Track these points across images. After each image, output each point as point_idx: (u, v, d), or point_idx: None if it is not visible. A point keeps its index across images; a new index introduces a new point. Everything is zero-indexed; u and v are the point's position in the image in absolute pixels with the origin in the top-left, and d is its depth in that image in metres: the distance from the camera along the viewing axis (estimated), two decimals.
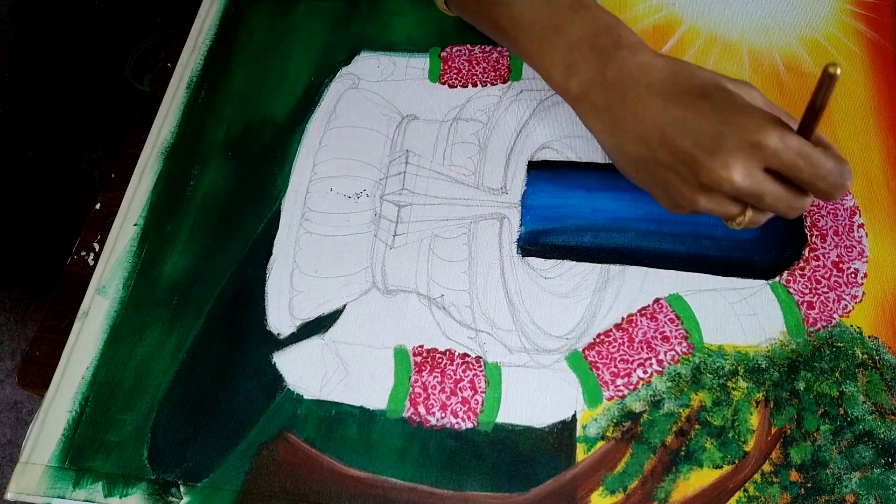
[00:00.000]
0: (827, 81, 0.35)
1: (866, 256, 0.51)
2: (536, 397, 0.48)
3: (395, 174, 0.57)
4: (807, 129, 0.39)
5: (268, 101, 0.61)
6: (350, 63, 0.62)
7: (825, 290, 0.50)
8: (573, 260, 0.52)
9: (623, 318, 0.50)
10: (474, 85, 0.60)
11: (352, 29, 0.64)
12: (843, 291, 0.50)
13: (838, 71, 0.34)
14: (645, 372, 0.48)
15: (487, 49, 0.62)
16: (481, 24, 0.52)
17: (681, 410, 0.47)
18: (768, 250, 0.51)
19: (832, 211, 0.52)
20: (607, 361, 0.49)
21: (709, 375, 0.48)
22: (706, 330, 0.49)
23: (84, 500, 0.47)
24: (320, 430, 0.48)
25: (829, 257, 0.51)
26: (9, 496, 0.48)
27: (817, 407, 0.46)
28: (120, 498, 0.47)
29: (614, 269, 0.52)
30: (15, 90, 1.04)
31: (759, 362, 0.48)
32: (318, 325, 0.52)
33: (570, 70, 0.45)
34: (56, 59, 1.10)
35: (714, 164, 0.38)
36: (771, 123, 0.38)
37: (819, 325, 0.49)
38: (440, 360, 0.50)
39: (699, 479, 0.45)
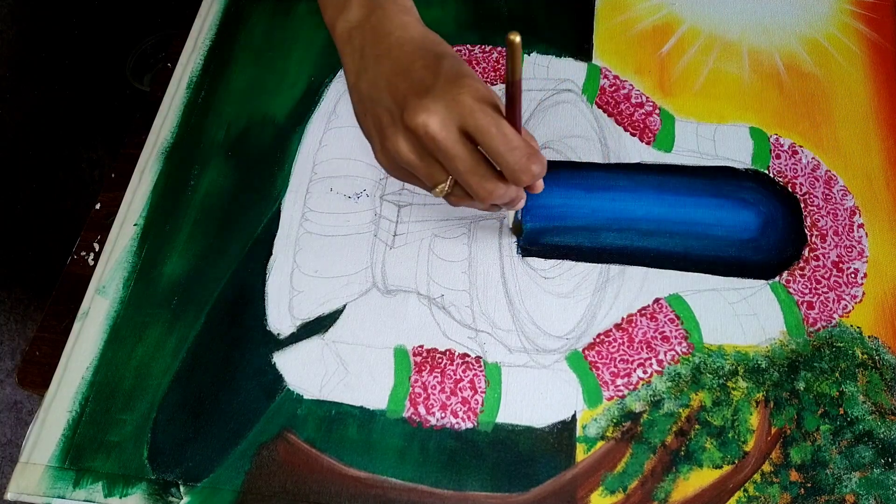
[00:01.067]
0: (510, 50, 0.36)
1: (866, 256, 0.51)
2: (536, 397, 0.48)
3: None
4: (511, 112, 0.39)
5: (268, 101, 0.61)
6: None
7: (825, 290, 0.50)
8: (573, 260, 0.52)
9: (623, 318, 0.50)
10: None
11: None
12: (843, 291, 0.50)
13: (517, 38, 0.35)
14: (645, 372, 0.48)
15: (487, 49, 0.62)
16: None
17: (681, 410, 0.47)
18: (768, 250, 0.51)
19: (832, 211, 0.52)
20: (607, 361, 0.49)
21: (709, 375, 0.48)
22: (706, 330, 0.49)
23: (84, 500, 0.47)
24: (320, 430, 0.48)
25: (829, 257, 0.51)
26: (9, 496, 0.48)
27: (817, 407, 0.46)
28: (120, 498, 0.47)
29: (614, 269, 0.52)
30: (15, 90, 1.04)
31: (759, 362, 0.48)
32: (318, 325, 0.52)
33: (341, 9, 0.46)
34: (56, 59, 1.10)
35: (417, 105, 0.39)
36: (476, 84, 0.39)
37: (819, 325, 0.49)
38: (440, 360, 0.50)
39: (699, 479, 0.45)
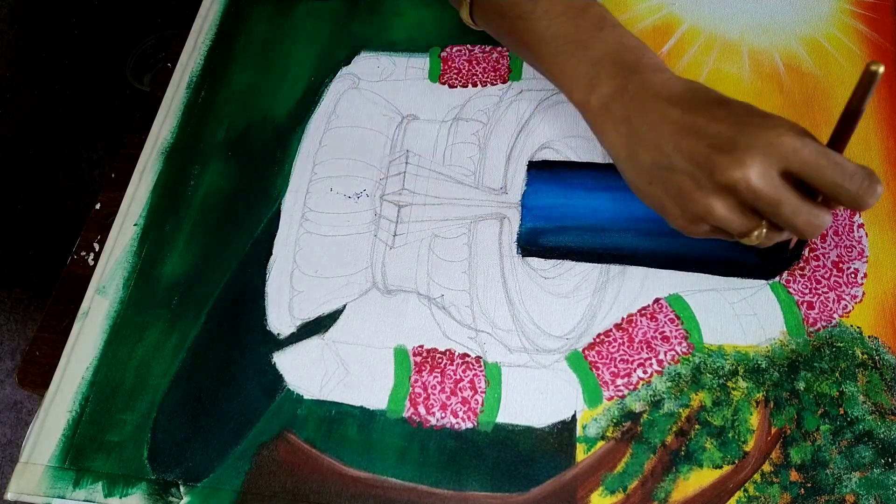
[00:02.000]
0: (867, 80, 0.33)
1: (866, 256, 0.51)
2: (536, 397, 0.48)
3: (395, 174, 0.57)
4: (840, 137, 0.37)
5: (268, 101, 0.61)
6: (350, 63, 0.62)
7: (825, 290, 0.50)
8: (573, 260, 0.52)
9: (623, 318, 0.50)
10: (474, 85, 0.60)
11: (352, 29, 0.64)
12: (843, 291, 0.50)
13: (881, 69, 0.32)
14: (645, 372, 0.48)
15: (487, 49, 0.62)
16: (506, 39, 0.52)
17: (681, 410, 0.47)
18: (768, 250, 0.51)
19: (832, 211, 0.52)
20: (607, 361, 0.49)
21: (709, 375, 0.48)
22: (706, 330, 0.49)
23: (84, 500, 0.47)
24: (320, 430, 0.48)
25: (829, 257, 0.51)
26: (9, 496, 0.48)
27: (817, 407, 0.46)
28: (120, 498, 0.47)
29: (614, 269, 0.52)
30: (15, 90, 1.04)
31: (759, 362, 0.48)
32: (318, 325, 0.52)
33: (592, 84, 0.45)
34: (56, 59, 1.10)
35: (729, 162, 0.37)
36: (790, 126, 0.37)
37: (819, 325, 0.49)
38: (440, 360, 0.50)
39: (699, 479, 0.45)
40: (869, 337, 0.48)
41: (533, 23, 0.48)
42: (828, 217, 0.39)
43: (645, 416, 0.47)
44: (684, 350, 0.49)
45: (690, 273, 0.51)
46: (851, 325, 0.48)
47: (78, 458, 0.48)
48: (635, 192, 0.45)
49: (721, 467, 0.45)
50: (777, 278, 0.50)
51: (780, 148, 0.37)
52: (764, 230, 0.40)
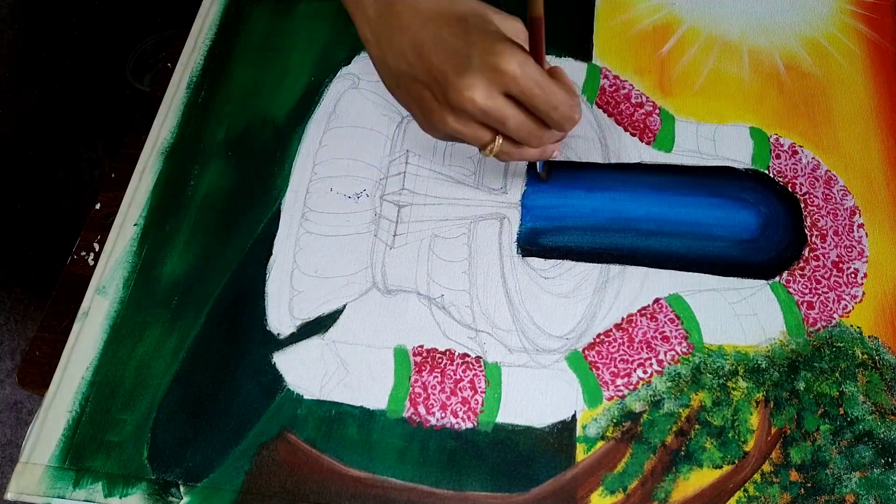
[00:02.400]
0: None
1: (866, 256, 0.51)
2: (536, 397, 0.48)
3: (395, 174, 0.57)
4: (534, 47, 0.41)
5: (268, 101, 0.61)
6: (350, 63, 0.62)
7: (825, 290, 0.50)
8: (573, 260, 0.52)
9: (623, 318, 0.50)
10: None
11: (352, 29, 0.64)
12: (843, 291, 0.50)
13: None
14: (645, 372, 0.48)
15: None
16: None
17: (681, 410, 0.47)
18: (768, 250, 0.51)
19: (832, 211, 0.52)
20: (607, 361, 0.49)
21: (709, 375, 0.48)
22: (706, 330, 0.49)
23: (84, 500, 0.47)
24: (320, 430, 0.48)
25: (829, 257, 0.51)
26: (9, 496, 0.48)
27: (817, 407, 0.46)
28: (120, 498, 0.47)
29: (614, 269, 0.52)
30: (15, 90, 1.04)
31: (759, 362, 0.48)
32: (318, 325, 0.52)
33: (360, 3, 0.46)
34: (56, 59, 1.10)
35: (459, 84, 0.40)
36: (512, 50, 0.40)
37: (819, 325, 0.49)
38: (440, 360, 0.50)
39: (699, 479, 0.45)
40: (869, 337, 0.48)
41: None
42: (551, 134, 0.44)
43: (645, 416, 0.47)
44: (684, 350, 0.49)
45: (690, 273, 0.51)
46: (851, 325, 0.48)
47: (78, 458, 0.48)
48: (387, 88, 0.47)
49: (721, 467, 0.45)
50: (777, 278, 0.50)
51: (502, 75, 0.40)
52: (498, 142, 0.44)
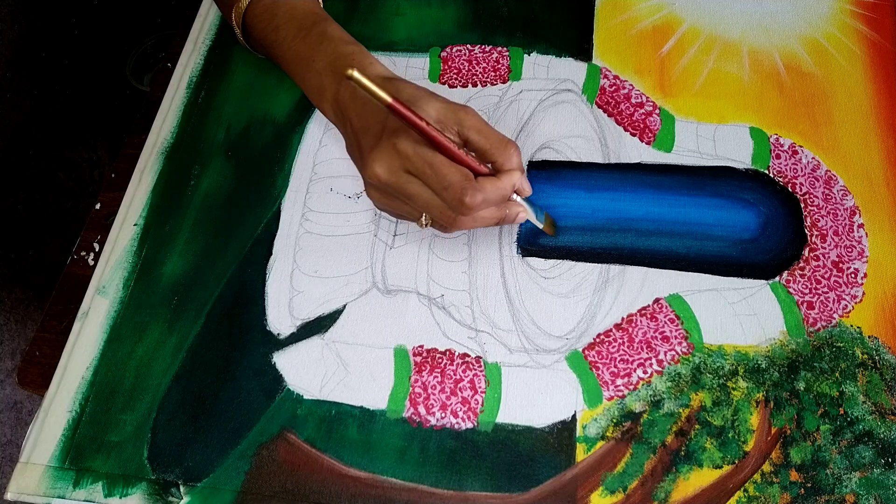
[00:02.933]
0: (359, 85, 0.40)
1: (866, 256, 0.51)
2: (536, 397, 0.48)
3: None
4: (430, 139, 0.44)
5: (268, 101, 0.61)
6: None
7: (825, 290, 0.50)
8: (573, 260, 0.52)
9: (623, 318, 0.50)
10: (474, 85, 0.60)
11: (352, 29, 0.64)
12: (843, 291, 0.50)
13: (353, 73, 0.40)
14: (645, 372, 0.48)
15: (487, 49, 0.62)
16: (273, 62, 0.59)
17: (681, 410, 0.47)
18: (768, 250, 0.51)
19: (832, 211, 0.52)
20: (607, 361, 0.49)
21: (709, 375, 0.48)
22: (706, 330, 0.49)
23: (84, 500, 0.47)
24: (320, 430, 0.48)
25: (829, 257, 0.51)
26: (9, 496, 0.48)
27: (817, 407, 0.46)
28: (120, 498, 0.47)
29: (614, 269, 0.52)
30: (15, 90, 1.04)
31: (759, 362, 0.48)
32: (318, 325, 0.52)
33: (320, 92, 0.53)
34: (56, 59, 1.10)
35: (367, 160, 0.45)
36: (411, 133, 0.44)
37: (819, 325, 0.49)
38: (440, 360, 0.50)
39: (699, 479, 0.45)
40: (869, 337, 0.48)
41: (278, 49, 0.56)
42: (464, 219, 0.45)
43: (645, 416, 0.47)
44: (684, 350, 0.49)
45: (690, 273, 0.51)
46: (851, 325, 0.48)
47: (78, 458, 0.48)
48: None
49: (721, 467, 0.45)
50: (777, 278, 0.50)
51: (398, 152, 0.44)
52: (424, 220, 0.47)
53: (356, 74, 0.40)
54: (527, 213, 0.48)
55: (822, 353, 0.48)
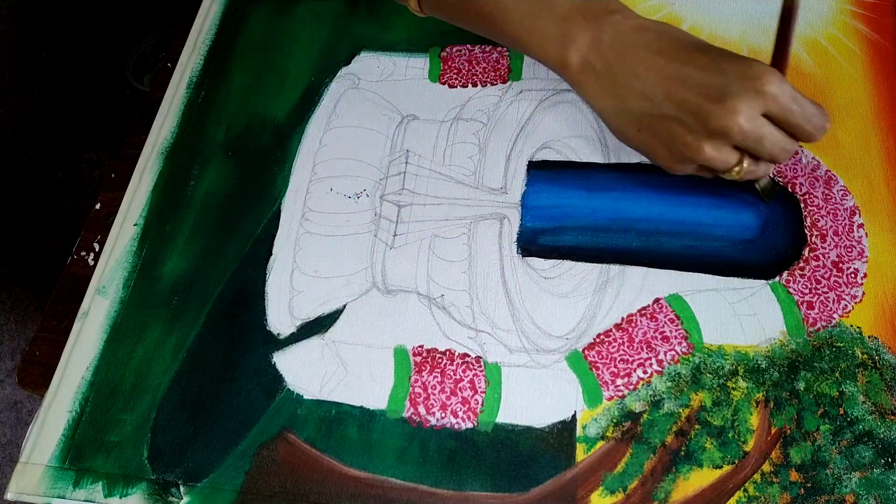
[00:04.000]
0: (787, 11, 0.41)
1: (866, 256, 0.51)
2: (536, 397, 0.48)
3: (395, 174, 0.57)
4: (781, 63, 0.44)
5: (268, 101, 0.61)
6: (350, 63, 0.62)
7: (825, 290, 0.50)
8: (573, 260, 0.52)
9: (623, 318, 0.50)
10: (474, 85, 0.60)
11: (352, 29, 0.64)
12: (843, 291, 0.50)
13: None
14: (645, 372, 0.48)
15: (487, 49, 0.62)
16: (463, 16, 0.52)
17: (681, 410, 0.47)
18: (768, 250, 0.51)
19: (832, 211, 0.52)
20: (607, 361, 0.49)
21: (709, 375, 0.48)
22: (706, 330, 0.49)
23: (84, 500, 0.47)
24: (320, 430, 0.48)
25: (829, 257, 0.51)
26: (9, 496, 0.48)
27: (817, 407, 0.46)
28: (120, 498, 0.47)
29: (614, 269, 0.52)
30: (15, 90, 1.04)
31: (759, 362, 0.48)
32: (318, 325, 0.52)
33: (565, 40, 0.46)
34: (56, 59, 1.10)
35: (721, 111, 0.42)
36: (770, 72, 0.42)
37: (819, 325, 0.49)
38: (440, 360, 0.50)
39: (699, 479, 0.45)
40: (869, 337, 0.48)
41: None
42: (794, 144, 0.45)
43: (645, 416, 0.47)
44: (684, 350, 0.49)
45: (690, 273, 0.51)
46: (851, 325, 0.48)
47: (78, 458, 0.48)
48: (621, 138, 0.48)
49: (721, 467, 0.45)
50: (777, 278, 0.50)
51: (764, 95, 0.42)
52: (745, 165, 0.45)
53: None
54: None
55: (822, 353, 0.48)
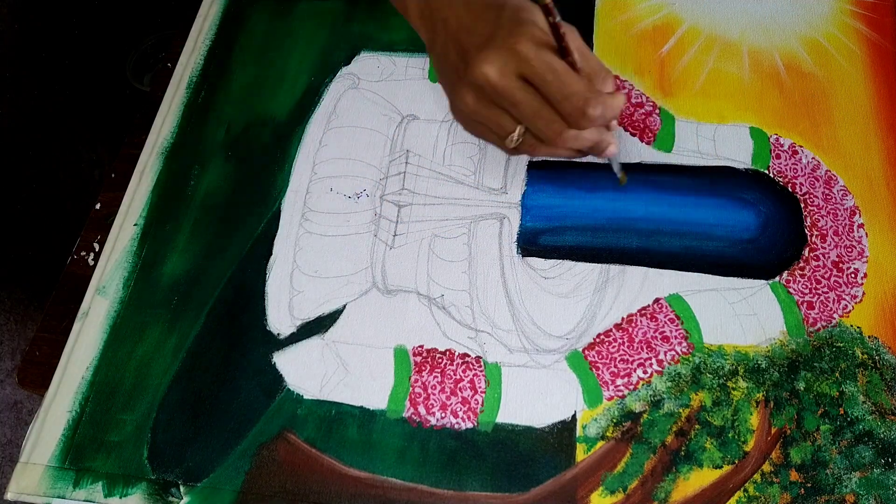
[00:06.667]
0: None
1: (866, 256, 0.51)
2: (536, 397, 0.48)
3: (395, 174, 0.57)
4: (559, 43, 0.41)
5: (268, 101, 0.61)
6: (350, 63, 0.62)
7: (825, 290, 0.50)
8: (573, 260, 0.52)
9: (623, 318, 0.50)
10: None
11: (352, 29, 0.64)
12: (843, 291, 0.50)
13: None
14: (645, 372, 0.48)
15: None
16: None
17: (681, 410, 0.47)
18: (768, 250, 0.51)
19: (832, 211, 0.52)
20: (607, 361, 0.49)
21: (709, 375, 0.48)
22: (706, 330, 0.49)
23: (84, 500, 0.47)
24: (320, 430, 0.48)
25: (829, 257, 0.51)
26: (9, 496, 0.48)
27: (817, 407, 0.46)
28: (120, 498, 0.47)
29: (614, 269, 0.52)
30: (15, 90, 1.04)
31: (759, 362, 0.48)
32: (318, 325, 0.52)
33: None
34: (56, 59, 1.10)
35: (477, 58, 0.41)
36: (534, 35, 0.40)
37: (819, 325, 0.49)
38: (440, 360, 0.50)
39: (699, 479, 0.45)
40: (869, 337, 0.48)
41: None
42: (571, 131, 0.42)
43: (645, 416, 0.47)
44: (684, 350, 0.49)
45: (690, 273, 0.51)
46: (851, 325, 0.48)
47: (78, 458, 0.48)
48: (438, 79, 0.48)
49: (721, 467, 0.45)
50: (777, 278, 0.50)
51: (517, 54, 0.40)
52: (519, 131, 0.43)
53: None
54: (615, 148, 0.45)
55: (822, 353, 0.48)
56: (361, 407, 0.49)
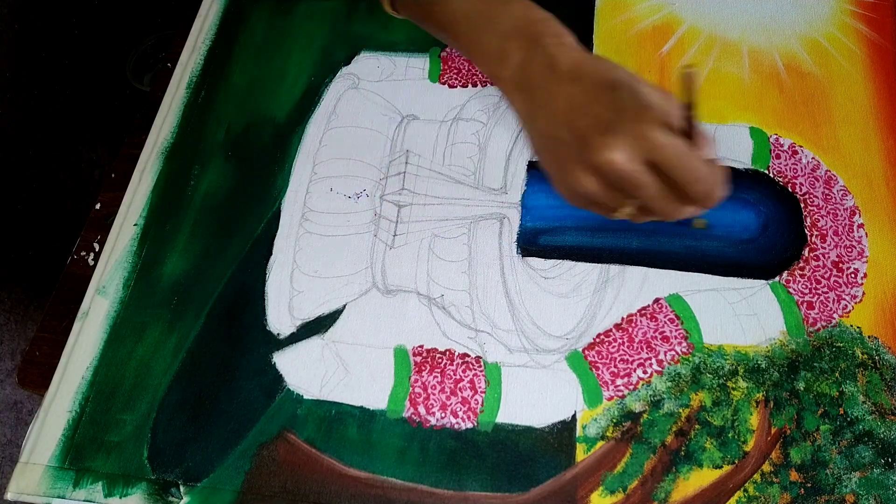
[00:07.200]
0: (687, 82, 0.39)
1: (866, 256, 0.51)
2: (536, 397, 0.48)
3: (395, 174, 0.57)
4: (689, 128, 0.41)
5: (268, 101, 0.61)
6: (350, 63, 0.62)
7: (825, 290, 0.50)
8: (573, 260, 0.52)
9: (623, 318, 0.50)
10: (474, 85, 0.60)
11: (352, 29, 0.64)
12: (843, 291, 0.50)
13: (694, 70, 0.38)
14: (645, 372, 0.48)
15: None
16: (424, 23, 0.54)
17: (681, 410, 0.47)
18: (768, 250, 0.51)
19: (832, 211, 0.52)
20: (607, 361, 0.49)
21: (709, 375, 0.48)
22: (706, 330, 0.49)
23: (84, 500, 0.47)
24: (320, 430, 0.48)
25: (829, 257, 0.51)
26: (9, 496, 0.48)
27: (817, 407, 0.46)
28: (120, 498, 0.47)
29: (614, 269, 0.52)
30: (15, 90, 1.04)
31: (759, 362, 0.48)
32: (318, 325, 0.52)
33: (501, 57, 0.47)
34: (56, 59, 1.10)
35: (600, 144, 0.40)
36: (663, 121, 0.40)
37: (819, 325, 0.49)
38: (440, 360, 0.50)
39: (699, 479, 0.45)
40: (869, 337, 0.48)
41: (445, 4, 0.50)
42: (686, 209, 0.42)
43: (645, 416, 0.47)
44: (684, 350, 0.49)
45: (690, 273, 0.51)
46: (851, 325, 0.48)
47: (78, 458, 0.48)
48: (533, 151, 0.47)
49: (721, 467, 0.45)
50: (777, 278, 0.50)
51: (648, 141, 0.40)
52: (628, 210, 0.43)
53: (695, 71, 0.38)
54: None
55: (822, 353, 0.48)
56: (361, 407, 0.49)
